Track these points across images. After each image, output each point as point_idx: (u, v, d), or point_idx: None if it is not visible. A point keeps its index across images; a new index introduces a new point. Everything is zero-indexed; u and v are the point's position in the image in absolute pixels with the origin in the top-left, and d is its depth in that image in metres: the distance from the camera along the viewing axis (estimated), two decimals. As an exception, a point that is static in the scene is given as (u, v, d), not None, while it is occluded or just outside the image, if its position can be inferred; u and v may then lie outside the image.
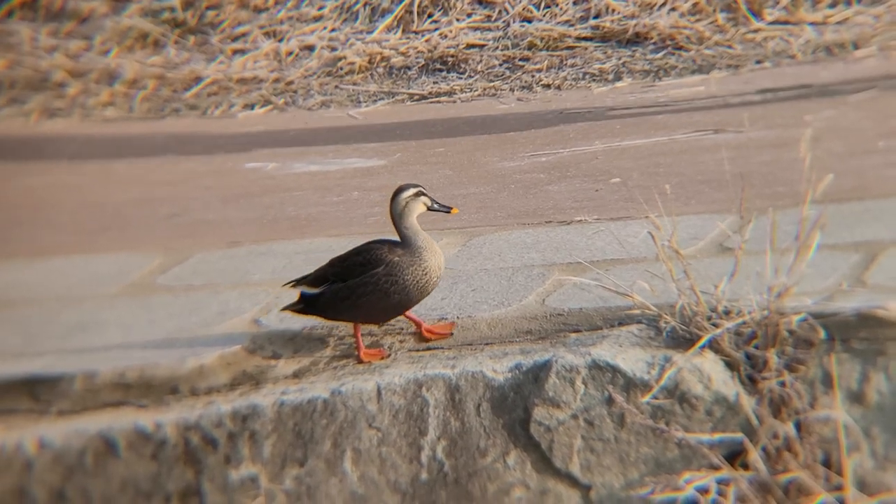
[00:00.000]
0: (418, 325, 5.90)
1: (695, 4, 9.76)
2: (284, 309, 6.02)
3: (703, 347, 5.43)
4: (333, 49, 10.49)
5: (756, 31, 9.42)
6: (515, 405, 5.49)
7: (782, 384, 5.34)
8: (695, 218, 6.43)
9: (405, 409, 5.60)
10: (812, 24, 9.27)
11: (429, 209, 5.89)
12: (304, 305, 5.88)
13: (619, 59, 9.65)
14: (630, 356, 5.50)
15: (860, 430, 5.28)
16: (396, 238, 5.88)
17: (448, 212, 5.93)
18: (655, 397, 5.42)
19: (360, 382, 5.69)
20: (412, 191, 5.88)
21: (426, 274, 5.81)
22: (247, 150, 8.93)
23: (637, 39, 9.74)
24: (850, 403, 5.32)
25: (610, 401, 5.44)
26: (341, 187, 7.98)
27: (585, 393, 5.48)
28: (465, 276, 6.21)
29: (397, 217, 5.88)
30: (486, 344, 5.70)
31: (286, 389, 5.81)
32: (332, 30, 10.68)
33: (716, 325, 5.44)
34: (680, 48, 9.53)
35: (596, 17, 10.03)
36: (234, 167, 8.64)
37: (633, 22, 9.81)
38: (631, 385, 5.45)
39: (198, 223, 7.56)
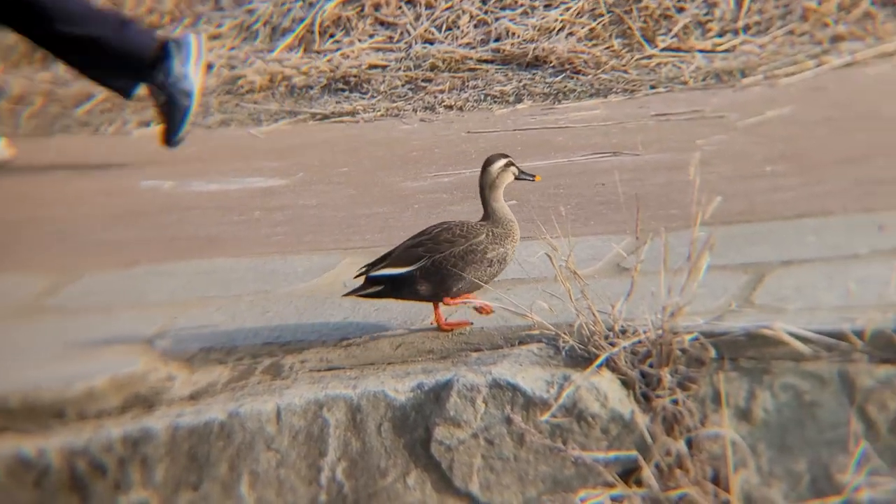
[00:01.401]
0: (483, 308, 5.86)
1: (591, 30, 9.89)
2: (350, 294, 5.88)
3: (600, 366, 5.47)
4: (233, 67, 10.46)
5: (650, 57, 9.56)
6: (417, 425, 5.48)
7: (675, 402, 5.40)
8: (593, 239, 6.50)
9: (305, 431, 5.55)
10: (702, 51, 9.43)
11: (516, 178, 5.89)
12: (387, 286, 5.77)
13: (520, 81, 9.73)
14: (530, 375, 5.52)
15: (747, 446, 5.33)
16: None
17: (532, 179, 5.94)
18: (554, 416, 5.45)
19: (259, 404, 5.63)
20: (503, 161, 5.86)
21: (516, 242, 5.83)
22: (142, 169, 8.84)
23: (537, 63, 9.84)
24: (738, 421, 5.37)
25: (510, 420, 5.45)
26: (242, 207, 7.93)
27: (486, 412, 5.48)
28: None
29: (487, 189, 5.84)
30: (389, 363, 5.68)
31: (181, 412, 5.73)
32: (232, 48, 10.65)
33: (613, 345, 5.50)
34: (578, 72, 9.64)
35: (496, 40, 10.10)
36: (129, 186, 8.53)
37: (533, 46, 9.90)
38: (530, 404, 5.47)
39: (91, 243, 7.45)
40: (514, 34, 10.07)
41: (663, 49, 9.60)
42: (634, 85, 9.30)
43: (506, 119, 9.18)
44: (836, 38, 9.03)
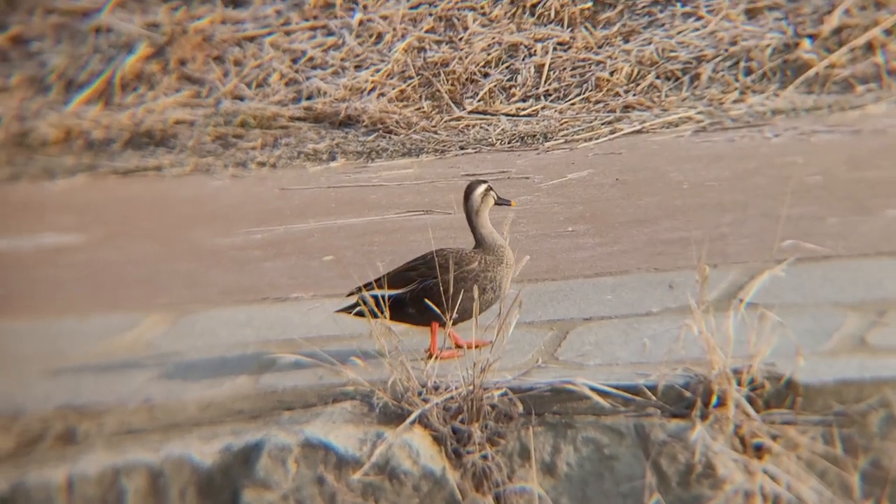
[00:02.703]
0: (456, 340, 6.04)
1: (402, 92, 10.30)
2: (342, 311, 6.05)
3: (413, 423, 5.73)
4: (23, 120, 10.50)
5: (458, 119, 10.01)
6: (223, 488, 5.57)
7: (485, 457, 5.70)
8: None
9: (100, 500, 5.54)
10: (507, 115, 9.94)
11: (496, 203, 6.14)
12: (379, 307, 5.93)
13: (333, 139, 10.06)
14: (343, 433, 5.72)
15: (551, 501, 5.67)
16: None
17: (508, 204, 6.18)
18: (367, 474, 5.67)
19: (47, 472, 5.57)
20: (483, 186, 6.12)
21: (510, 270, 6.04)
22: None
23: (349, 122, 10.19)
24: (544, 475, 5.70)
25: (321, 480, 5.61)
26: (36, 265, 7.84)
27: (297, 472, 5.61)
28: (175, 355, 6.29)
29: (473, 215, 6.10)
30: (196, 425, 5.74)
31: (-45, 487, 5.62)
32: (22, 100, 10.69)
33: (426, 401, 5.78)
34: (390, 132, 10.02)
35: (308, 98, 10.42)
36: None
37: (345, 105, 10.26)
38: (343, 462, 5.67)
39: None
40: (325, 93, 10.40)
41: (471, 112, 10.07)
42: (445, 145, 9.74)
43: (319, 177, 9.49)
44: (627, 107, 9.66)
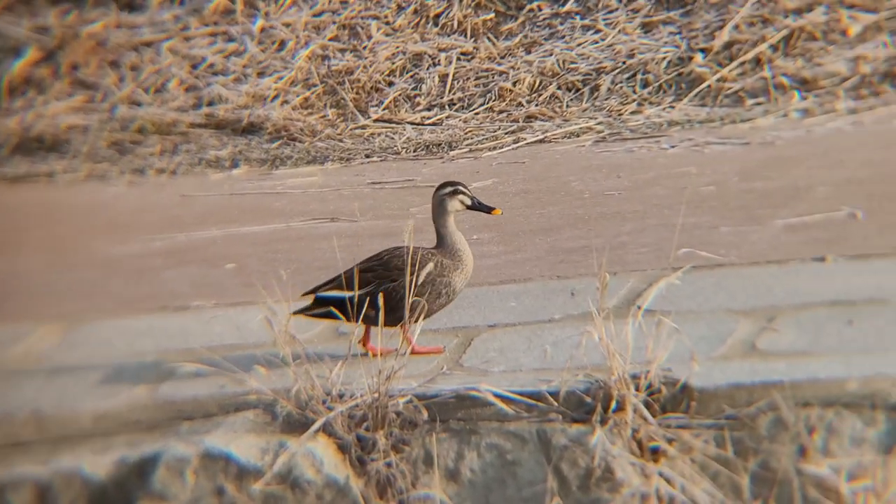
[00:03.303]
0: (410, 342, 6.21)
1: (306, 99, 10.52)
2: (298, 313, 6.19)
3: (317, 431, 5.93)
4: None
5: (364, 127, 10.28)
6: (116, 502, 5.68)
7: (389, 465, 5.92)
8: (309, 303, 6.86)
9: None
10: (412, 124, 10.23)
11: (469, 208, 6.30)
12: (335, 307, 6.12)
13: (236, 146, 10.27)
14: (244, 443, 5.87)
15: None
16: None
17: (489, 212, 6.32)
18: (268, 483, 5.83)
19: None
20: (448, 189, 6.30)
21: (466, 275, 6.24)
22: None
23: (252, 129, 10.41)
24: (448, 481, 5.94)
25: (221, 490, 5.75)
26: None
27: (196, 483, 5.74)
28: (69, 366, 6.38)
29: (434, 215, 6.29)
30: (89, 437, 5.83)
31: None
32: None
33: (330, 409, 5.98)
34: (294, 139, 10.23)
35: (209, 104, 10.61)
36: None
37: (247, 112, 10.47)
38: (244, 473, 5.83)
39: None
40: (226, 100, 10.60)
41: (376, 120, 10.32)
42: (350, 153, 9.97)
43: (222, 184, 9.67)
44: (530, 117, 10.02)
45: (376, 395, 5.97)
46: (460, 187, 6.32)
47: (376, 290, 6.22)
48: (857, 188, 7.59)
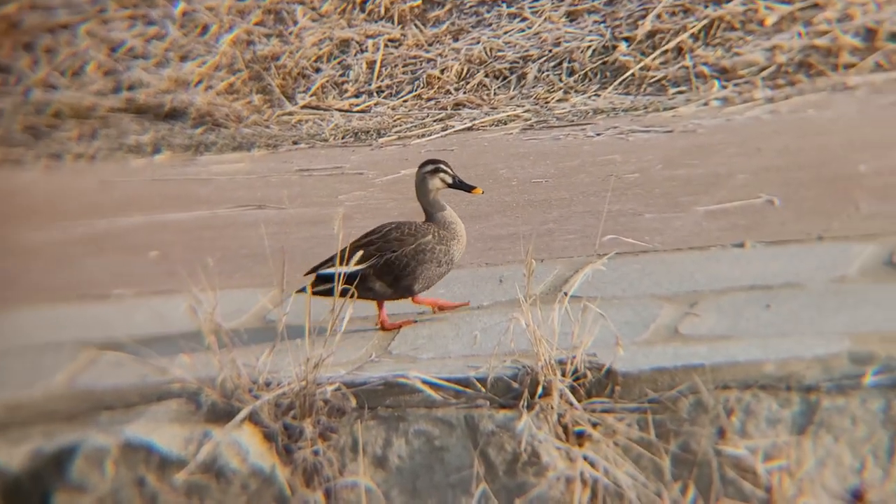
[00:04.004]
0: (438, 305, 6.62)
1: (231, 85, 10.75)
2: (301, 291, 6.46)
3: (242, 420, 6.15)
4: None
5: (291, 114, 10.52)
6: (32, 494, 5.84)
7: (316, 453, 6.15)
8: (238, 292, 7.19)
9: None
10: (340, 110, 10.49)
11: (449, 186, 6.66)
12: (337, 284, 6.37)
13: (158, 132, 10.47)
14: (167, 433, 6.08)
15: (381, 494, 6.17)
16: None
17: (469, 191, 6.66)
18: (191, 473, 6.04)
19: None
20: (429, 167, 6.67)
21: (462, 246, 6.62)
22: None
23: (175, 114, 10.60)
24: (375, 468, 6.20)
25: (142, 481, 5.95)
26: None
27: (116, 474, 5.91)
28: None
29: (418, 193, 6.67)
30: (4, 428, 5.98)
31: None
32: None
33: (257, 398, 6.20)
34: (219, 125, 10.45)
35: (129, 89, 10.81)
36: None
37: (170, 97, 10.66)
38: (166, 463, 6.03)
39: None
40: (148, 84, 10.80)
41: (303, 107, 10.56)
42: (277, 140, 10.22)
43: (143, 170, 9.86)
44: (458, 105, 10.35)
45: (304, 383, 6.19)
46: (441, 165, 6.70)
47: (380, 262, 6.55)
48: (774, 175, 7.97)
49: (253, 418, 6.19)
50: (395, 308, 6.78)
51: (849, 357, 5.86)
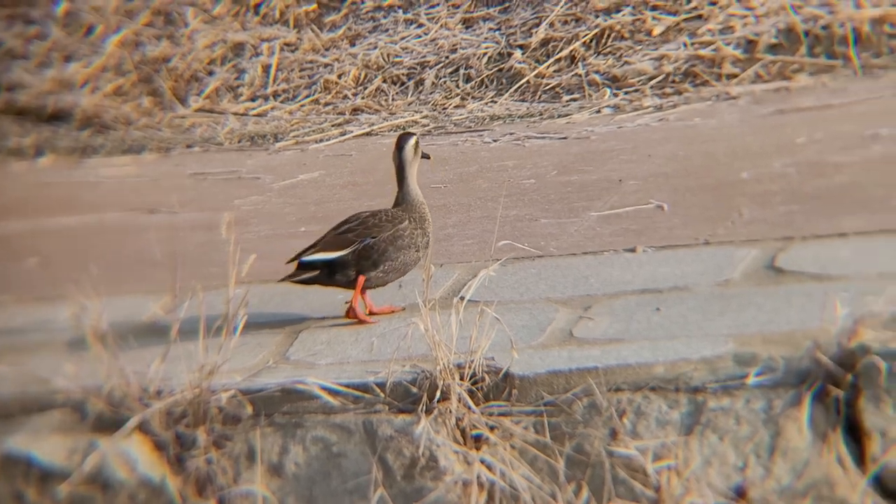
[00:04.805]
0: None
1: (119, 86, 10.99)
2: (285, 280, 6.75)
3: (132, 429, 6.32)
4: None
5: (183, 117, 10.79)
6: None
7: (209, 461, 6.33)
8: (129, 299, 7.40)
9: None
10: (235, 114, 10.76)
11: (423, 157, 7.09)
12: (322, 271, 6.78)
13: (41, 134, 10.69)
14: (49, 444, 6.20)
15: (277, 501, 6.36)
16: None
17: (428, 158, 7.13)
18: (75, 485, 6.19)
19: None
20: (414, 138, 7.04)
21: (431, 230, 6.98)
22: None
23: (59, 116, 10.82)
24: (271, 476, 6.39)
25: (20, 495, 6.05)
26: None
27: None
28: None
29: (407, 165, 7.01)
30: None
31: None
32: None
33: (147, 406, 6.38)
34: (107, 127, 10.69)
35: (9, 90, 10.98)
36: None
37: (53, 98, 10.87)
38: (49, 475, 6.16)
39: None
40: (29, 85, 10.98)
41: (197, 110, 10.83)
42: (169, 143, 10.47)
43: (26, 174, 10.04)
44: (356, 110, 10.71)
45: (197, 390, 6.35)
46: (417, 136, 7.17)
47: (360, 248, 6.90)
48: (663, 182, 8.42)
49: (143, 427, 6.36)
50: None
51: (733, 358, 6.21)
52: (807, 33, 10.09)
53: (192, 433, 6.39)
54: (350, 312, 7.04)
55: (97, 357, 6.42)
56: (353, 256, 6.93)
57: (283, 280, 6.93)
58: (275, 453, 6.39)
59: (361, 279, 6.93)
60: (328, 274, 6.93)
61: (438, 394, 6.38)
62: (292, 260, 6.99)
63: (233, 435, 6.38)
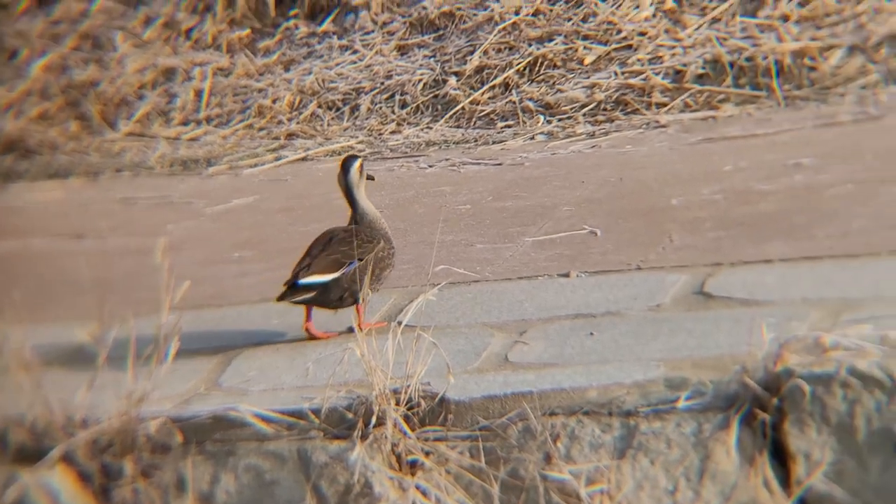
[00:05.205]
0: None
1: (45, 111, 11.11)
2: (281, 299, 6.97)
3: (55, 460, 6.38)
4: None
5: (112, 141, 10.94)
6: None
7: (136, 491, 6.41)
8: (55, 326, 7.49)
9: None
10: (167, 138, 10.92)
11: (368, 178, 7.41)
12: (318, 292, 7.07)
13: (-39, 159, 10.87)
14: None
15: None
16: None
17: (372, 179, 7.46)
18: None
19: None
20: (359, 160, 7.32)
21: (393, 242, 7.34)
22: None
23: (-16, 140, 10.99)
24: None
25: None
26: None
27: None
28: None
29: (354, 188, 7.33)
30: None
31: None
32: None
33: (72, 436, 6.43)
34: (32, 152, 10.83)
35: (-73, 116, 11.20)
36: None
37: (-26, 123, 11.07)
38: None
39: None
40: (-51, 109, 11.16)
41: (127, 134, 10.98)
42: (97, 168, 10.61)
43: (-54, 200, 10.20)
44: (291, 135, 10.90)
45: (125, 418, 6.42)
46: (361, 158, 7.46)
47: (350, 270, 7.18)
48: (596, 207, 8.68)
49: (67, 458, 6.42)
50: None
51: (664, 382, 6.40)
52: (732, 65, 10.41)
53: (118, 463, 6.47)
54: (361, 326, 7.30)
55: (19, 385, 6.49)
56: (346, 277, 7.20)
57: (280, 299, 7.13)
58: (205, 482, 6.49)
59: (363, 303, 7.27)
60: (325, 293, 7.18)
61: (374, 419, 6.48)
62: (287, 283, 7.17)
63: (162, 464, 6.46)
